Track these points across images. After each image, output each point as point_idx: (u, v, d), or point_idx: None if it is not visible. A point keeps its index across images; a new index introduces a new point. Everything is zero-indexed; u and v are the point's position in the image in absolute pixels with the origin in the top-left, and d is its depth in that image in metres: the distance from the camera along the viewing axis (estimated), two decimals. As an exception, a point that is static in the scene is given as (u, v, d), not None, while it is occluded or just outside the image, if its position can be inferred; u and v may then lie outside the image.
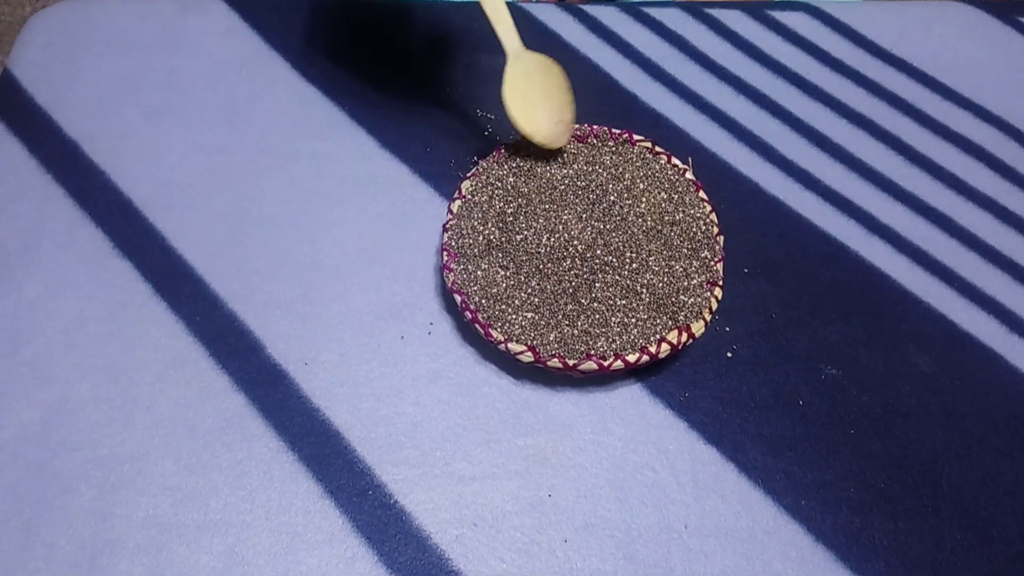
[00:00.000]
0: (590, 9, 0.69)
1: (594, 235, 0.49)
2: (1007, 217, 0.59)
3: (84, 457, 0.47)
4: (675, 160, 0.53)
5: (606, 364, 0.46)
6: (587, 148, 0.53)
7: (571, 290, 0.48)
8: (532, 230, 0.50)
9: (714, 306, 0.48)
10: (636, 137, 0.54)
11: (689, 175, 0.52)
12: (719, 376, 0.51)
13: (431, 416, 0.49)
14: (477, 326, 0.47)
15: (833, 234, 0.57)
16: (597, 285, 0.48)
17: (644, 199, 0.51)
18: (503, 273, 0.48)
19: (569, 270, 0.48)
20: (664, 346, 0.46)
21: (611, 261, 0.49)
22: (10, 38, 1.50)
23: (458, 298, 0.48)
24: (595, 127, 0.54)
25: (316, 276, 0.54)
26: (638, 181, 0.52)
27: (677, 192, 0.51)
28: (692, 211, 0.51)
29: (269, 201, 0.57)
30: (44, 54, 0.64)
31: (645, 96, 0.64)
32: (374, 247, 0.55)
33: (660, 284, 0.48)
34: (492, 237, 0.49)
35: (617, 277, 0.48)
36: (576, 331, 0.46)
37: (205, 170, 0.58)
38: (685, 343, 0.47)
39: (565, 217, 0.50)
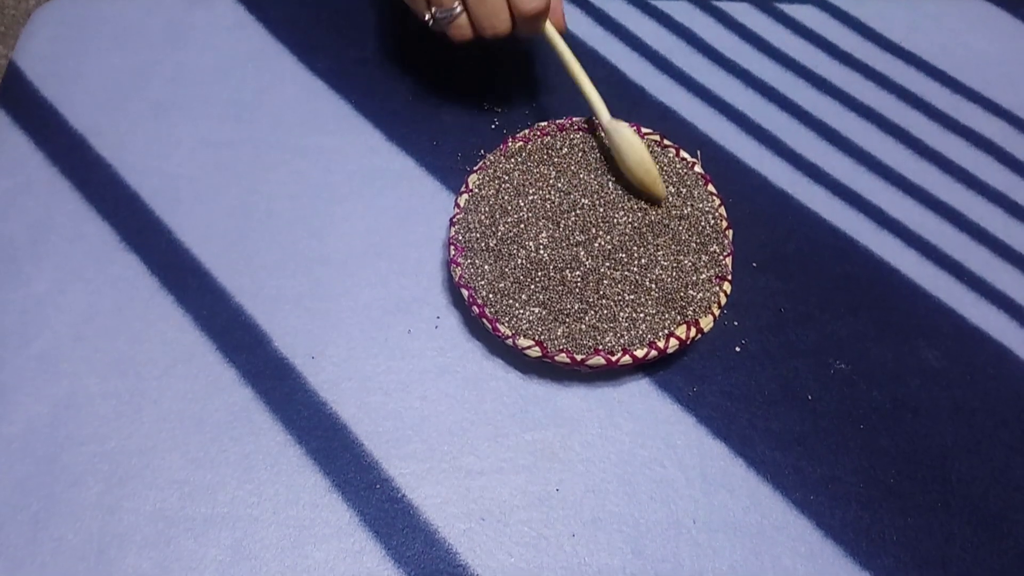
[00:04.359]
0: (597, 1, 0.68)
1: (596, 232, 0.49)
2: (1017, 211, 0.58)
3: (92, 451, 0.47)
4: (683, 153, 0.53)
5: (614, 359, 0.45)
6: (595, 141, 0.53)
7: (579, 285, 0.47)
8: (539, 224, 0.49)
9: (723, 301, 0.48)
10: (644, 130, 0.53)
11: (697, 168, 0.52)
12: (728, 371, 0.51)
13: (438, 410, 0.49)
14: (484, 321, 0.47)
15: (842, 228, 0.57)
16: (605, 280, 0.48)
17: (652, 193, 0.51)
18: (510, 267, 0.48)
19: (577, 265, 0.48)
20: (672, 341, 0.46)
21: (619, 256, 0.48)
22: (15, 31, 1.50)
23: (465, 292, 0.48)
24: (603, 120, 0.54)
25: (323, 270, 0.54)
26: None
27: (685, 186, 0.51)
28: (700, 205, 0.50)
29: (276, 195, 0.57)
30: (50, 47, 0.64)
31: (653, 89, 0.63)
32: (381, 241, 0.55)
33: (668, 279, 0.48)
34: (499, 231, 0.49)
35: (625, 272, 0.48)
36: (584, 326, 0.46)
37: (212, 164, 0.58)
38: (694, 338, 0.47)
39: (573, 211, 0.50)
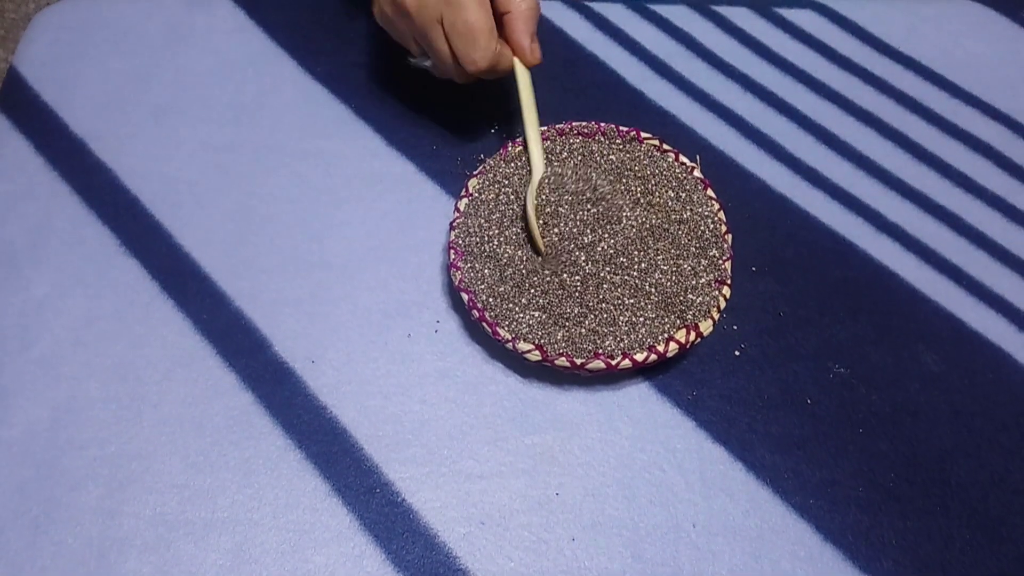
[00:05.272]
0: (597, 6, 0.68)
1: (602, 233, 0.49)
2: (1015, 215, 0.58)
3: (92, 455, 0.47)
4: (683, 158, 0.53)
5: (614, 363, 0.46)
6: (594, 145, 0.53)
7: (578, 289, 0.47)
8: (539, 228, 0.49)
9: (722, 305, 0.48)
10: (643, 135, 0.54)
11: (697, 173, 0.52)
12: (727, 375, 0.51)
13: (438, 414, 0.49)
14: (484, 324, 0.47)
15: (841, 232, 0.57)
16: (604, 284, 0.48)
17: (652, 197, 0.51)
18: (510, 271, 0.48)
19: (576, 269, 0.48)
20: (672, 345, 0.46)
21: (619, 260, 0.48)
22: (15, 35, 1.50)
23: (465, 296, 0.48)
24: (602, 124, 0.54)
25: (323, 274, 0.54)
26: (646, 179, 0.51)
27: (685, 190, 0.51)
28: (700, 209, 0.51)
29: (276, 199, 0.57)
30: (50, 51, 0.64)
31: (652, 94, 0.63)
32: (381, 245, 0.55)
33: (668, 283, 0.48)
34: (499, 235, 0.49)
35: (625, 276, 0.48)
36: (584, 330, 0.46)
37: (212, 168, 0.58)
38: (693, 342, 0.47)
39: (572, 215, 0.50)
